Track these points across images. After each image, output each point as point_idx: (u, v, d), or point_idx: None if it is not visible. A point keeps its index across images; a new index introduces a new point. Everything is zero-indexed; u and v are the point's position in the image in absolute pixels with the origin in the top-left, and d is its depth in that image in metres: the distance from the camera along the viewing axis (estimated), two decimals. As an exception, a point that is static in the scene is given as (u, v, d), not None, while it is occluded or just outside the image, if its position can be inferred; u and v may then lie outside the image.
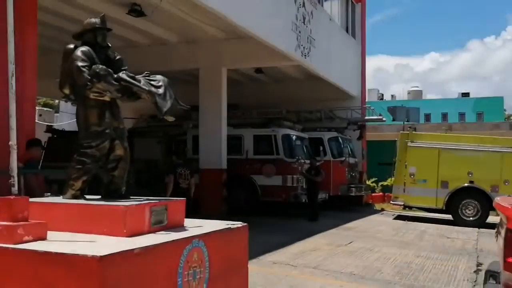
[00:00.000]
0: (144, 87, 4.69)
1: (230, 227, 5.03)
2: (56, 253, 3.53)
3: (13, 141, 4.08)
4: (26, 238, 3.83)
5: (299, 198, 14.75)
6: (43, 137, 15.88)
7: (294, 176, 14.80)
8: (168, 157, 10.61)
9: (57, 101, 27.88)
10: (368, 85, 32.66)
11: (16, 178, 4.09)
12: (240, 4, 11.04)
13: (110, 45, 5.16)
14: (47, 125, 20.19)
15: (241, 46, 14.10)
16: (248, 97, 18.58)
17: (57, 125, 24.34)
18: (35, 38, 8.69)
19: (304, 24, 14.51)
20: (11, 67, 4.06)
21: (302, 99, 19.13)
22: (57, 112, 29.59)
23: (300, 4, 14.29)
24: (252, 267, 6.57)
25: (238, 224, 5.18)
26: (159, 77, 4.86)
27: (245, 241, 5.24)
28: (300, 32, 14.20)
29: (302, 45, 14.36)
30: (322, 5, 17.29)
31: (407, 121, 22.77)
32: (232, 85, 16.09)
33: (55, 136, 16.81)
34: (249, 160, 15.10)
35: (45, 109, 28.72)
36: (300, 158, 15.24)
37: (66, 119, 26.43)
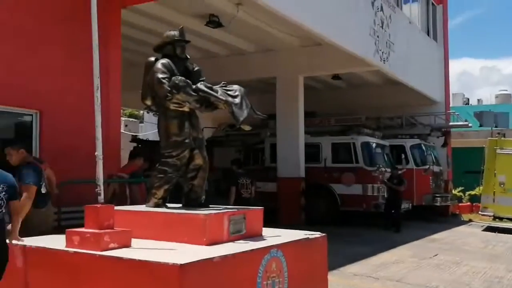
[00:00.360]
0: (221, 97, 4.75)
1: (308, 237, 4.96)
2: (139, 261, 3.63)
3: (99, 152, 4.25)
4: (111, 245, 3.98)
5: (380, 207, 14.35)
6: (129, 146, 16.59)
7: (375, 185, 14.42)
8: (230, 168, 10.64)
9: (141, 111, 28.98)
10: (452, 90, 31.27)
11: (102, 187, 4.25)
12: (316, 11, 10.97)
13: (188, 56, 5.28)
14: (132, 135, 21.08)
15: (317, 53, 14.00)
16: (326, 104, 18.38)
17: (141, 134, 25.33)
18: (119, 52, 9.11)
19: (382, 28, 14.17)
20: (96, 81, 4.25)
21: (382, 105, 18.63)
22: (141, 122, 30.79)
23: (378, 8, 13.97)
24: (332, 278, 6.44)
25: (317, 234, 5.10)
26: (235, 87, 4.90)
27: (324, 252, 5.15)
28: (378, 36, 13.88)
29: (380, 50, 14.02)
30: (401, 9, 16.82)
31: (495, 126, 21.52)
32: (309, 92, 15.99)
33: (139, 145, 17.47)
34: (328, 168, 14.89)
35: (131, 119, 29.98)
36: (381, 167, 14.84)
37: (150, 129, 27.42)
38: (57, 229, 6.02)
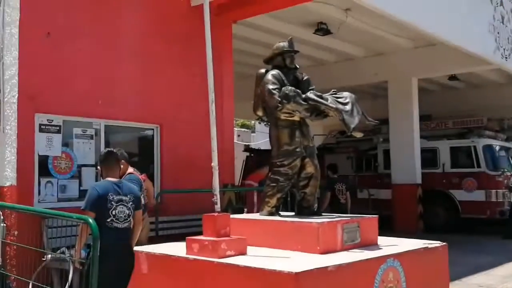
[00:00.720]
0: (331, 105, 4.73)
1: (427, 247, 4.76)
2: (255, 268, 3.71)
3: (214, 163, 4.42)
4: (228, 252, 4.11)
5: (505, 214, 13.36)
6: (242, 156, 17.05)
7: (499, 190, 13.47)
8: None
9: (252, 121, 29.67)
10: None
11: (218, 197, 4.41)
12: (430, 11, 10.54)
13: (298, 66, 5.33)
14: (245, 144, 21.62)
15: (432, 53, 13.42)
16: (442, 106, 17.51)
17: (253, 144, 25.91)
18: (231, 65, 9.44)
19: (503, 24, 13.25)
20: (211, 95, 4.43)
21: (505, 105, 17.35)
22: (253, 132, 31.50)
23: (498, 3, 13.09)
24: (454, 289, 6.13)
25: (437, 243, 4.88)
26: (346, 94, 4.86)
27: (445, 262, 4.90)
28: (498, 33, 13.00)
29: (501, 47, 13.11)
30: (523, 1, 15.61)
31: None
32: (423, 95, 15.37)
33: (252, 154, 17.88)
34: (446, 174, 14.18)
35: (243, 129, 30.79)
36: (506, 171, 13.83)
37: (261, 138, 27.97)
38: (154, 239, 6.22)
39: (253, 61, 13.21)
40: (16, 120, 6.42)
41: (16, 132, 6.41)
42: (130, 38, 7.75)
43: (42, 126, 6.78)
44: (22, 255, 5.65)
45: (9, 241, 5.86)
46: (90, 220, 3.48)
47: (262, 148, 20.62)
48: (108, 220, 4.04)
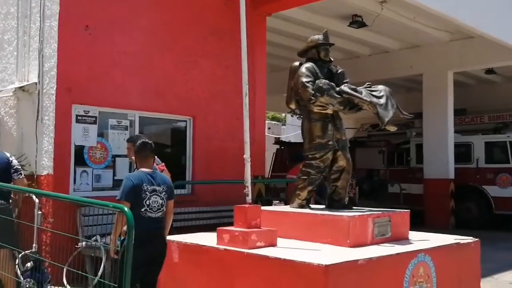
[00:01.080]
0: (365, 98, 4.71)
1: (459, 242, 4.72)
2: (285, 260, 3.76)
3: (246, 155, 4.47)
4: (258, 243, 4.17)
5: (541, 211, 13.05)
6: (272, 148, 17.08)
7: (536, 187, 13.15)
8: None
9: (283, 114, 29.62)
10: None
11: (250, 188, 4.47)
12: (468, 3, 10.33)
13: (332, 59, 5.32)
14: (275, 137, 21.65)
15: (469, 46, 13.13)
16: (477, 100, 17.12)
17: (284, 137, 25.88)
18: (264, 58, 9.46)
19: (543, 16, 12.86)
20: (245, 88, 4.48)
21: (544, 100, 16.90)
22: (284, 124, 31.45)
23: (539, -5, 12.71)
24: (485, 286, 6.03)
25: (469, 239, 4.84)
26: (380, 87, 4.84)
27: (477, 258, 4.86)
28: (539, 25, 12.62)
29: (541, 40, 12.73)
30: None
31: None
32: (458, 89, 15.07)
33: (282, 147, 17.89)
34: (480, 169, 13.90)
35: (274, 122, 30.77)
36: (543, 167, 13.47)
37: (291, 131, 27.92)
38: (184, 229, 6.28)
39: (285, 54, 13.20)
40: (54, 111, 6.63)
41: (54, 122, 6.61)
42: (165, 30, 7.85)
43: (78, 117, 6.94)
44: (57, 242, 5.83)
45: (45, 228, 6.07)
46: (126, 209, 3.57)
47: (292, 141, 20.60)
48: (142, 209, 4.13)
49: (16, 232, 5.36)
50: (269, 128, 26.78)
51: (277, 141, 18.96)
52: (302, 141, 5.30)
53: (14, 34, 7.35)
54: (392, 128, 4.85)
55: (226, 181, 8.00)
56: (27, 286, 5.39)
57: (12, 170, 5.35)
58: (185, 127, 8.33)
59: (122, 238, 4.05)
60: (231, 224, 4.52)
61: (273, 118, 32.30)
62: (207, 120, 8.38)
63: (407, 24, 11.72)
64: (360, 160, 15.02)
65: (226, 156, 8.37)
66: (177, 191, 7.59)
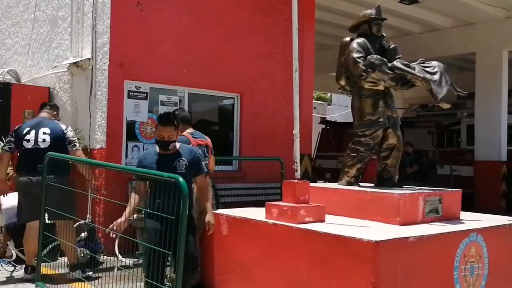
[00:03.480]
0: (418, 74, 4.61)
1: (513, 223, 4.60)
2: (335, 235, 3.76)
3: (296, 131, 4.46)
4: (307, 219, 4.19)
5: None
6: (318, 128, 16.96)
7: None
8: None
9: (329, 94, 29.34)
10: None
11: (299, 164, 4.47)
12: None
13: (384, 34, 5.21)
14: (321, 117, 21.48)
15: (526, 24, 12.61)
16: (535, 81, 16.48)
17: (329, 117, 25.67)
18: (312, 35, 9.35)
19: None
20: (295, 63, 4.45)
21: None
22: (329, 104, 31.16)
23: None
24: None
25: (523, 220, 4.71)
26: (434, 63, 4.72)
27: (531, 240, 4.72)
28: None
29: None
30: None
31: None
32: (513, 68, 14.51)
33: (328, 127, 17.77)
34: (534, 152, 13.44)
35: (319, 102, 30.52)
36: None
37: (337, 111, 27.65)
38: (232, 204, 6.31)
39: (333, 31, 13.01)
40: (107, 87, 6.79)
41: (107, 98, 6.78)
42: (214, 7, 7.87)
43: (130, 93, 7.09)
44: (110, 213, 6.00)
45: (98, 197, 6.24)
46: (180, 179, 3.62)
47: (338, 120, 20.41)
48: None
49: (75, 204, 5.53)
50: (314, 108, 26.58)
51: (323, 121, 18.81)
52: (347, 121, 5.24)
53: (68, 10, 7.55)
54: (446, 106, 4.73)
55: (260, 158, 8.06)
56: (81, 255, 5.61)
57: (66, 142, 5.45)
58: (233, 104, 8.38)
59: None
60: (277, 200, 4.55)
61: (319, 98, 32.02)
62: (254, 97, 8.39)
63: (460, 0, 11.33)
64: (409, 141, 14.73)
65: (273, 133, 8.38)
66: (224, 167, 7.85)
